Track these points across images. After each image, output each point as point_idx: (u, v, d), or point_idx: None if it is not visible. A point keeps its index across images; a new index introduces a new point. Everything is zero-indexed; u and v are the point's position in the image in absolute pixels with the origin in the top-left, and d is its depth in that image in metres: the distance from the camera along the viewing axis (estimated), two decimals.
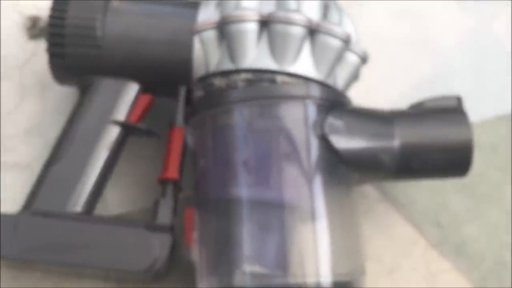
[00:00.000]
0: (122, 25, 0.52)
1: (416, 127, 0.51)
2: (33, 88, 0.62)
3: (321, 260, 0.46)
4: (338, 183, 0.50)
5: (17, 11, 0.64)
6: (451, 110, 0.52)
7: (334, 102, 0.50)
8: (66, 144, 0.52)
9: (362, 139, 0.50)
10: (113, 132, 0.52)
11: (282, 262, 0.46)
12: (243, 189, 0.48)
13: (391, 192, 0.61)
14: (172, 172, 0.52)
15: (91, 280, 0.56)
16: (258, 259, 0.46)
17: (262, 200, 0.48)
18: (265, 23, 0.50)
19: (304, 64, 0.50)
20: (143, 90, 0.54)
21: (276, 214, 0.47)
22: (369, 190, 0.61)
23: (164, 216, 0.50)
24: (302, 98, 0.49)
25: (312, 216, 0.47)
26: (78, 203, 0.50)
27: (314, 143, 0.48)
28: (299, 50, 0.50)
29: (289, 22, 0.49)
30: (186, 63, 0.52)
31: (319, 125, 0.49)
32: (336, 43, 0.50)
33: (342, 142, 0.49)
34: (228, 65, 0.50)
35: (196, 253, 0.49)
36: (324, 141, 0.48)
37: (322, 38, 0.50)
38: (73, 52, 0.52)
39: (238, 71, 0.50)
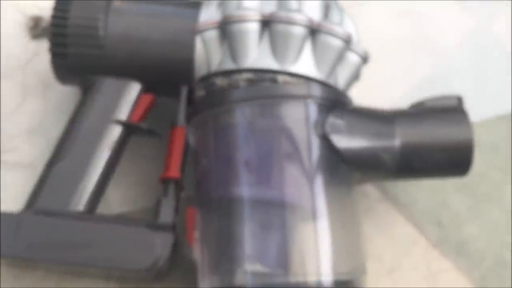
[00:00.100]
0: (124, 25, 0.52)
1: (416, 127, 0.51)
2: (35, 87, 0.62)
3: (322, 259, 0.46)
4: (339, 183, 0.50)
5: (20, 11, 0.64)
6: (451, 110, 0.52)
7: (335, 101, 0.50)
8: (68, 144, 0.52)
9: (363, 138, 0.50)
10: (115, 132, 0.52)
11: (283, 261, 0.46)
12: (245, 188, 0.48)
13: (392, 192, 0.61)
14: (174, 172, 0.52)
15: (92, 279, 0.56)
16: (259, 258, 0.46)
17: (263, 199, 0.48)
18: (266, 23, 0.50)
19: (305, 64, 0.50)
20: (145, 90, 0.54)
21: (277, 213, 0.47)
22: (369, 190, 0.61)
23: (166, 215, 0.50)
24: (303, 97, 0.49)
25: (313, 215, 0.47)
26: (80, 202, 0.50)
27: (315, 143, 0.49)
28: (300, 50, 0.50)
29: (290, 22, 0.49)
30: (187, 63, 0.52)
31: (320, 124, 0.49)
32: (337, 43, 0.50)
33: (343, 142, 0.49)
34: (229, 65, 0.50)
35: (197, 252, 0.49)
36: (325, 141, 0.49)
37: (323, 38, 0.50)
38: (75, 52, 0.52)
39: (239, 71, 0.50)
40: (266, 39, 0.50)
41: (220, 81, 0.51)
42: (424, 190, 0.61)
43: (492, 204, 0.61)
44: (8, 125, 0.60)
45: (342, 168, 0.49)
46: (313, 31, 0.50)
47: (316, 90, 0.50)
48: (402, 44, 0.67)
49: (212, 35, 0.51)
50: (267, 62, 0.50)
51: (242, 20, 0.50)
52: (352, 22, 0.53)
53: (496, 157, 0.63)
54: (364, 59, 0.54)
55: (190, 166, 0.53)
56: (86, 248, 0.49)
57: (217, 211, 0.49)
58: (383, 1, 0.68)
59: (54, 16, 0.53)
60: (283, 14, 0.49)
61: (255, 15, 0.50)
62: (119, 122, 0.53)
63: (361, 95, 0.55)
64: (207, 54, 0.52)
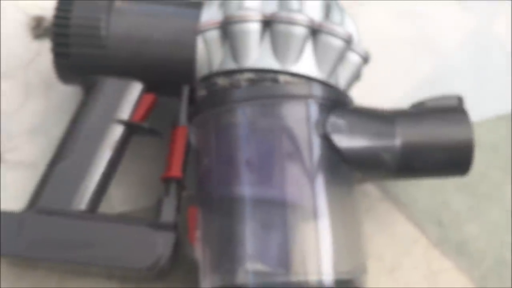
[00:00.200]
0: (126, 25, 0.52)
1: (417, 127, 0.51)
2: (38, 87, 0.62)
3: (323, 258, 0.46)
4: (340, 182, 0.50)
5: (22, 11, 0.64)
6: (452, 110, 0.53)
7: (336, 101, 0.51)
8: (70, 143, 0.52)
9: (363, 138, 0.50)
10: (117, 131, 0.53)
11: (284, 260, 0.47)
12: (246, 187, 0.48)
13: (392, 191, 0.61)
14: (176, 171, 0.52)
15: (94, 278, 0.56)
16: (260, 258, 0.46)
17: (264, 198, 0.48)
18: (267, 23, 0.50)
19: (306, 63, 0.50)
20: (146, 90, 0.54)
21: (278, 212, 0.48)
22: (370, 189, 0.61)
23: (168, 214, 0.50)
24: (304, 97, 0.49)
25: (314, 215, 0.47)
26: (82, 202, 0.51)
27: (316, 142, 0.49)
28: (301, 50, 0.50)
29: (291, 22, 0.49)
30: (189, 63, 0.52)
31: (321, 124, 0.49)
32: (338, 43, 0.50)
33: (344, 141, 0.49)
34: (231, 65, 0.51)
35: (199, 251, 0.50)
36: (326, 140, 0.49)
37: (324, 38, 0.50)
38: (77, 52, 0.52)
39: (241, 71, 0.50)
40: (267, 39, 0.50)
41: (221, 81, 0.51)
42: (425, 190, 0.61)
43: (492, 204, 0.61)
44: (10, 125, 0.61)
45: (343, 168, 0.50)
46: (314, 31, 0.50)
47: (317, 90, 0.50)
48: (403, 44, 0.67)
49: (214, 35, 0.52)
50: (268, 62, 0.50)
51: (243, 20, 0.50)
52: (353, 22, 0.53)
53: (496, 157, 0.63)
54: (365, 59, 0.54)
55: (191, 166, 0.53)
56: (87, 247, 0.49)
57: (218, 210, 0.49)
58: (383, 1, 0.68)
59: (56, 16, 0.53)
60: (284, 14, 0.50)
61: (256, 15, 0.50)
62: (120, 121, 0.53)
63: (362, 95, 0.55)
64: (209, 54, 0.52)
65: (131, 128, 0.53)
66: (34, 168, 0.59)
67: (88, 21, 0.52)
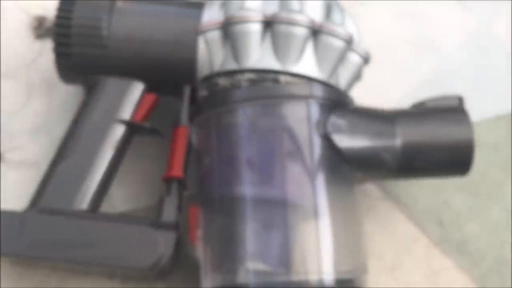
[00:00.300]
0: (127, 25, 0.53)
1: (417, 126, 0.51)
2: (40, 87, 0.62)
3: (323, 258, 0.46)
4: (341, 182, 0.50)
5: (24, 11, 0.64)
6: (452, 110, 0.53)
7: (336, 101, 0.51)
8: (72, 143, 0.52)
9: (364, 138, 0.50)
10: (118, 131, 0.53)
11: (285, 259, 0.47)
12: (247, 187, 0.48)
13: (393, 191, 0.61)
14: (177, 171, 0.52)
15: (96, 278, 0.56)
16: (261, 257, 0.47)
17: (265, 198, 0.48)
18: (268, 24, 0.50)
19: (307, 64, 0.50)
20: (148, 90, 0.54)
21: (279, 212, 0.48)
22: (371, 189, 0.61)
23: (169, 213, 0.50)
24: (305, 97, 0.49)
25: (315, 214, 0.47)
26: (84, 201, 0.51)
27: (317, 142, 0.49)
28: (302, 50, 0.50)
29: (292, 23, 0.49)
30: (190, 63, 0.52)
31: (322, 124, 0.49)
32: (338, 43, 0.51)
33: (345, 141, 0.49)
34: (232, 65, 0.51)
35: (200, 251, 0.50)
36: (327, 140, 0.49)
37: (324, 38, 0.50)
38: (79, 52, 0.53)
39: (242, 71, 0.50)
40: (268, 39, 0.50)
41: (222, 81, 0.51)
42: (425, 189, 0.61)
43: (492, 203, 0.61)
44: (12, 124, 0.61)
45: (344, 168, 0.50)
46: (315, 32, 0.50)
47: (318, 90, 0.50)
48: (403, 44, 0.67)
49: (215, 35, 0.52)
50: (269, 62, 0.50)
51: (244, 21, 0.50)
52: (354, 22, 0.53)
53: (496, 157, 0.63)
54: (366, 59, 0.54)
55: (192, 165, 0.53)
56: (89, 246, 0.49)
57: (219, 210, 0.49)
58: (384, 1, 0.68)
59: (58, 16, 0.53)
60: (285, 14, 0.50)
61: (257, 16, 0.50)
62: (122, 121, 0.53)
63: (362, 95, 0.55)
64: (210, 54, 0.52)
65: (132, 128, 0.53)
66: (36, 167, 0.59)
67: (89, 21, 0.52)
